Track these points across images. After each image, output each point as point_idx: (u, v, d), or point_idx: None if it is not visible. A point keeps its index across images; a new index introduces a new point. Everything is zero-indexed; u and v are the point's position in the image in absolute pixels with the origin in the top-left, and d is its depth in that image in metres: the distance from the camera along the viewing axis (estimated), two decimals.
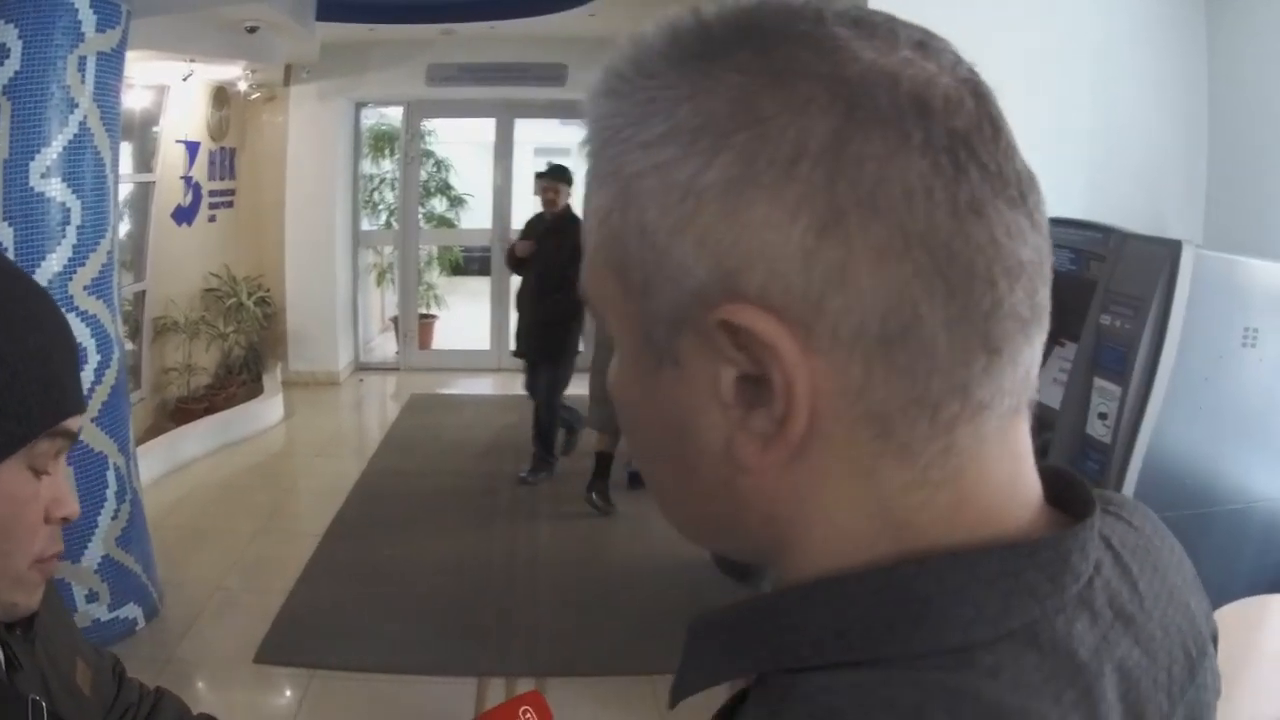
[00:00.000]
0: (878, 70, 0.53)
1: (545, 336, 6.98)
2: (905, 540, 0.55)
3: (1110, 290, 3.47)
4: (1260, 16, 4.38)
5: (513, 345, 7.56)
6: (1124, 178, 4.44)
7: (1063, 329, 4.00)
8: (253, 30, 7.15)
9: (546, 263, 6.76)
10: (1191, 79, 4.68)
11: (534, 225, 7.23)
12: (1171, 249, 3.31)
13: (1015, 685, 0.51)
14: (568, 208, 7.01)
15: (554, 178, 7.01)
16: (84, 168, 4.41)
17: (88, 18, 4.32)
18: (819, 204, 0.51)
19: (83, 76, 4.34)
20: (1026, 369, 0.57)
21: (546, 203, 7.05)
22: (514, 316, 11.25)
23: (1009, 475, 0.58)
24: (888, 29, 0.55)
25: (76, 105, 4.34)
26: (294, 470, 7.78)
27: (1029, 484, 0.59)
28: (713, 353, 0.54)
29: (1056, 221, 3.92)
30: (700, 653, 0.62)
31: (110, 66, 4.49)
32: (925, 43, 0.56)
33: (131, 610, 4.71)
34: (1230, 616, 2.88)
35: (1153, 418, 3.35)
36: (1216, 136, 4.67)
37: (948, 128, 0.53)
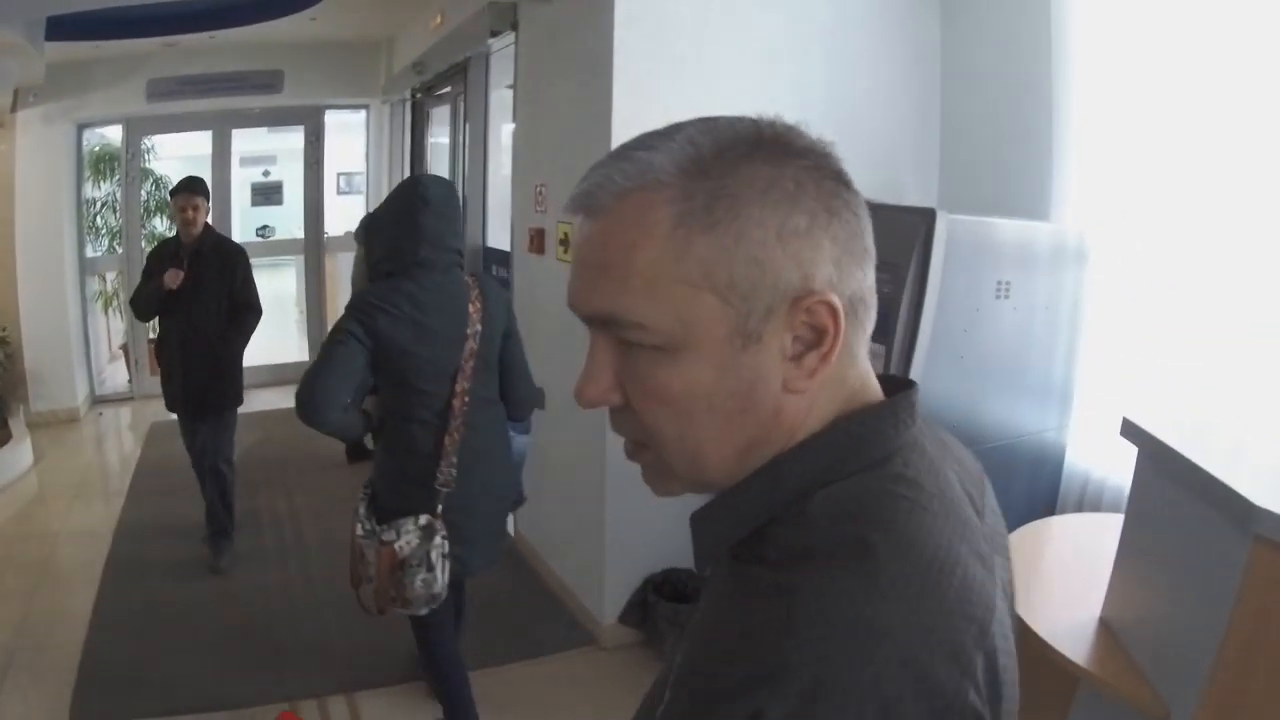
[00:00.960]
0: (834, 159, 0.97)
1: (224, 380, 6.08)
2: (845, 408, 0.99)
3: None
4: None
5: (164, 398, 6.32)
6: (862, 152, 4.63)
7: None
8: None
9: (213, 293, 5.88)
10: (924, 56, 5.02)
11: (167, 251, 5.99)
12: (926, 216, 3.56)
13: (917, 470, 0.95)
14: (210, 228, 6.08)
15: (194, 191, 5.90)
16: None
17: None
18: (841, 236, 0.94)
19: None
20: None
21: (185, 222, 5.85)
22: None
23: (872, 375, 1.03)
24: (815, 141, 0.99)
25: None
26: (55, 517, 7.32)
27: (874, 378, 1.04)
28: (785, 327, 0.92)
29: None
30: (714, 526, 1.01)
31: None
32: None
33: None
34: (1018, 540, 3.14)
35: (919, 370, 3.57)
36: (950, 109, 5.01)
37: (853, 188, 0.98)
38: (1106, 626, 2.71)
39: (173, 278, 5.76)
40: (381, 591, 3.57)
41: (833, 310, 0.92)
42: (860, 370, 1.01)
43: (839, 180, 0.96)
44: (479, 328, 3.59)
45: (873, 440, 0.97)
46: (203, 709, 4.50)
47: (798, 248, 0.91)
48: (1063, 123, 4.28)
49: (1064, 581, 3.09)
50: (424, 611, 3.62)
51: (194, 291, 5.82)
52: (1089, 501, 4.12)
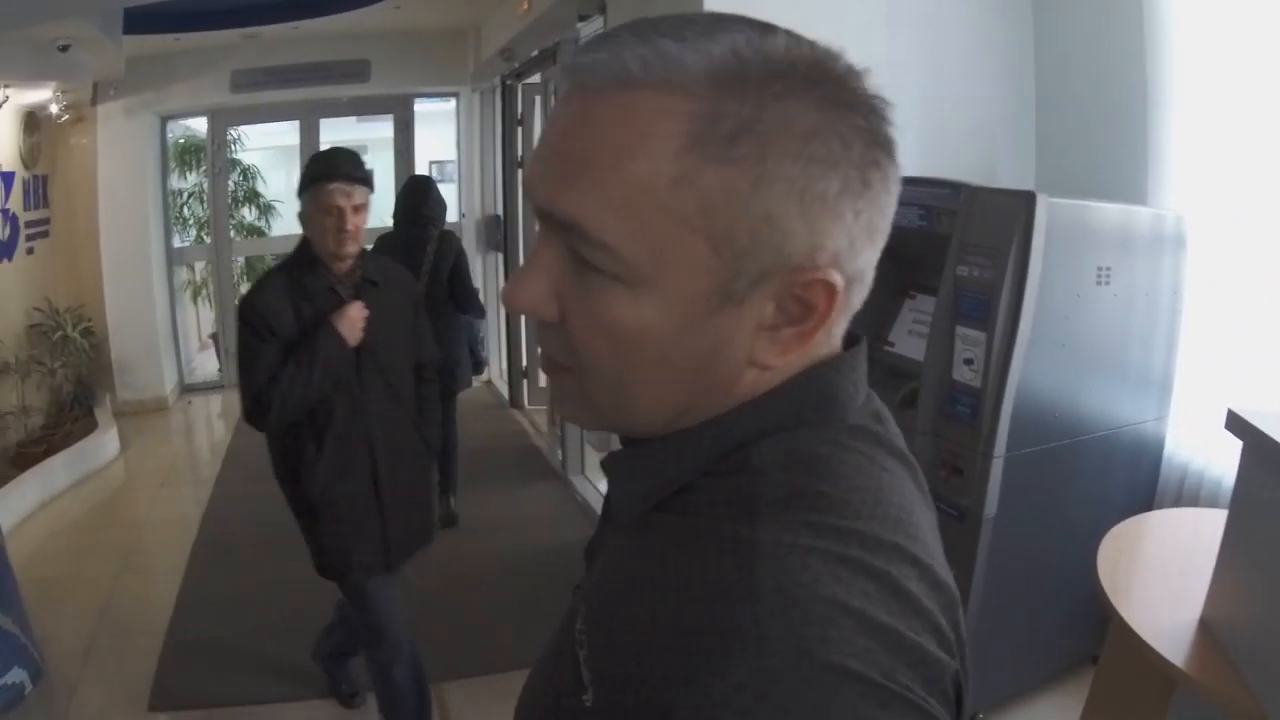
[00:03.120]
0: (887, 130, 0.82)
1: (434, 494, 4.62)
2: (806, 363, 0.87)
3: (965, 243, 3.57)
4: None
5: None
6: (957, 135, 4.57)
7: (913, 282, 4.08)
8: (64, 49, 6.76)
9: (399, 350, 3.70)
10: (1018, 36, 4.85)
11: (301, 291, 3.43)
12: (1025, 200, 3.44)
13: (875, 429, 0.89)
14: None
15: (356, 178, 3.42)
16: None
17: None
18: (864, 211, 0.80)
19: None
20: None
21: (338, 230, 3.37)
22: None
23: None
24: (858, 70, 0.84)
25: None
26: (141, 504, 7.44)
27: None
28: (773, 294, 0.80)
29: (904, 180, 4.02)
30: (642, 476, 0.88)
31: None
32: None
33: (17, 675, 4.42)
34: (1117, 536, 3.08)
35: (1020, 359, 3.47)
36: (1044, 90, 4.83)
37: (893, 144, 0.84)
38: (1207, 627, 2.61)
39: (350, 326, 3.43)
40: None
41: (830, 290, 0.81)
42: (832, 340, 0.89)
43: (885, 148, 0.81)
44: None
45: (832, 395, 0.87)
46: (286, 697, 4.51)
47: (817, 214, 0.78)
48: (1158, 102, 4.12)
49: (1164, 579, 3.00)
50: None
51: (371, 352, 3.54)
52: (1187, 494, 4.02)
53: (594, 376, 0.84)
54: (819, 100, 0.77)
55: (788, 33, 0.81)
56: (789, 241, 0.78)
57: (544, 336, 0.87)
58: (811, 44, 0.80)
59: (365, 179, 3.49)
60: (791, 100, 0.76)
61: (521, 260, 9.04)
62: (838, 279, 0.80)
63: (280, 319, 3.37)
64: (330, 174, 3.39)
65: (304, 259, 3.48)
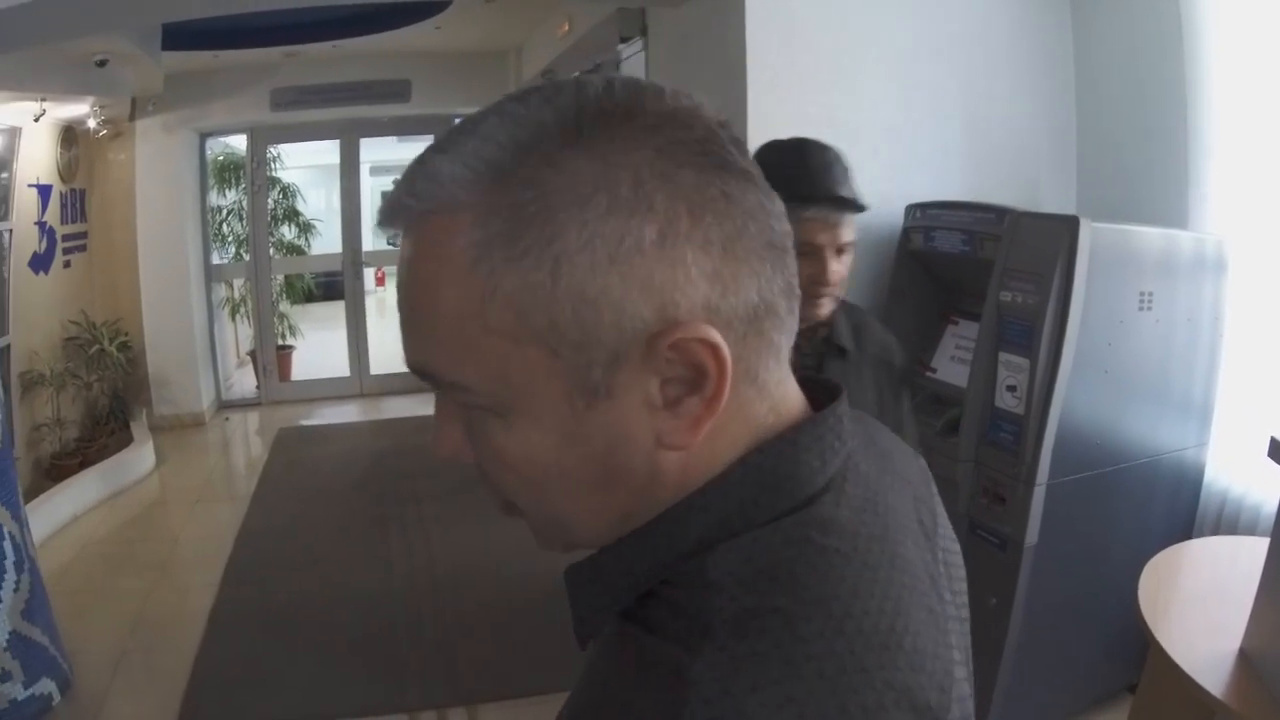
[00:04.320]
0: (713, 125, 0.75)
1: None
2: (758, 438, 0.78)
3: (1009, 268, 3.57)
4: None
5: None
6: (999, 159, 4.56)
7: (955, 307, 4.06)
8: (102, 64, 6.81)
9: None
10: (1058, 59, 4.85)
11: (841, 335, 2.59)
12: (1069, 224, 3.44)
13: (852, 508, 0.77)
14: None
15: (844, 204, 2.40)
16: None
17: None
18: (717, 239, 0.71)
19: None
20: None
21: (813, 283, 2.38)
22: (374, 340, 11.16)
23: (792, 381, 0.84)
24: (685, 94, 0.76)
25: None
26: (176, 520, 7.44)
27: (796, 387, 0.84)
28: (646, 372, 0.71)
29: (947, 205, 4.04)
30: (595, 589, 0.80)
31: None
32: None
33: (45, 685, 4.43)
34: (1156, 566, 3.05)
35: (1064, 385, 3.46)
36: (1085, 114, 4.83)
37: (750, 161, 0.77)
38: (1246, 658, 2.57)
39: None
40: None
41: (710, 346, 0.71)
42: (771, 396, 0.79)
43: (709, 159, 0.73)
44: None
45: (792, 477, 0.76)
46: (317, 717, 4.48)
47: (647, 270, 0.69)
48: (1198, 125, 4.12)
49: (1203, 609, 2.97)
50: None
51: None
52: (1226, 521, 3.99)
53: (523, 508, 0.82)
54: (589, 146, 0.70)
55: (547, 88, 0.75)
56: (624, 313, 0.70)
57: (482, 482, 0.83)
58: (575, 85, 0.74)
59: (859, 202, 2.42)
60: (559, 162, 0.70)
61: None
62: (710, 332, 0.71)
63: None
64: (810, 192, 2.35)
65: None
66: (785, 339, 0.79)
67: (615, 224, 0.68)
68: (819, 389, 0.87)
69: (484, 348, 0.72)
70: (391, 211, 0.75)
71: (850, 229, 2.39)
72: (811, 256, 2.32)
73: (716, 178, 0.72)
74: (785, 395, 0.81)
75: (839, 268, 2.39)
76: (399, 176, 0.77)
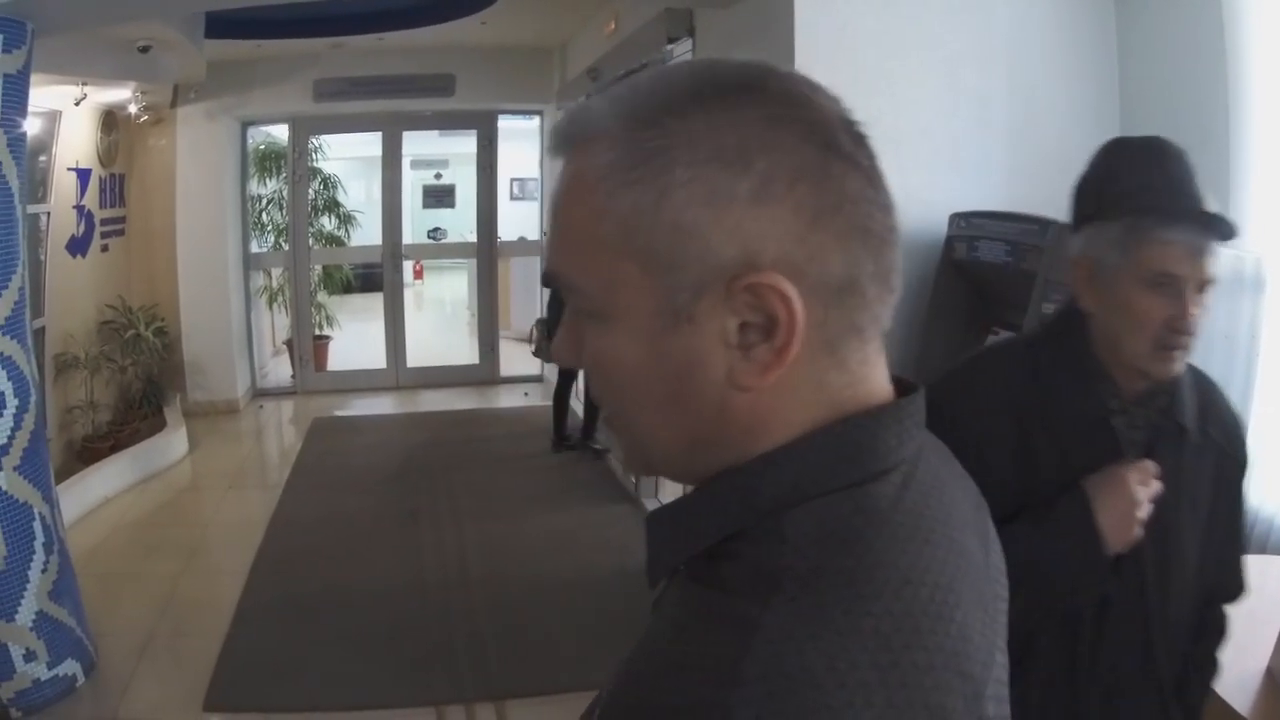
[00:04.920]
0: (832, 116, 0.83)
1: None
2: (835, 413, 0.82)
3: (1051, 280, 3.54)
4: (1166, 6, 4.50)
5: None
6: (1042, 169, 4.51)
7: (998, 318, 4.02)
8: (145, 50, 6.83)
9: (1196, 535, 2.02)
10: (1103, 70, 4.82)
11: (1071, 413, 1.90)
12: None
13: (920, 490, 0.83)
14: None
15: (1214, 229, 1.82)
16: None
17: None
18: (809, 208, 0.78)
19: None
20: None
21: (1172, 333, 1.82)
22: (411, 333, 11.20)
23: (883, 370, 0.88)
24: (816, 85, 0.85)
25: None
26: (207, 505, 7.49)
27: (886, 376, 0.88)
28: (725, 309, 0.78)
29: (991, 215, 4.01)
30: (669, 532, 0.87)
31: (16, 90, 4.19)
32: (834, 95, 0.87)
33: (70, 666, 4.47)
34: None
35: None
36: (1128, 125, 4.80)
37: (866, 155, 0.83)
38: (1274, 678, 2.57)
39: (1123, 512, 1.80)
40: None
41: (783, 298, 0.77)
42: (852, 374, 0.84)
43: (815, 138, 0.80)
44: None
45: (870, 451, 0.82)
46: (344, 707, 4.48)
47: (736, 217, 0.77)
48: (1240, 141, 4.07)
49: (1231, 627, 2.91)
50: None
51: (1146, 564, 1.93)
52: (1256, 540, 3.93)
53: (612, 418, 0.91)
54: (717, 105, 0.80)
55: (710, 61, 0.86)
56: (710, 248, 0.78)
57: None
58: (737, 62, 0.85)
59: (1231, 225, 1.83)
60: (689, 114, 0.79)
61: None
62: (783, 283, 0.77)
63: (996, 444, 1.88)
64: (1171, 206, 1.83)
65: (1070, 348, 1.94)
66: (871, 324, 0.84)
67: (715, 171, 0.77)
68: (900, 385, 0.91)
69: (595, 258, 0.82)
70: (556, 139, 0.87)
71: (1216, 259, 1.84)
72: (1168, 290, 1.80)
73: (819, 155, 0.79)
74: (868, 377, 0.86)
75: (1200, 310, 1.83)
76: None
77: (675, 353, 0.81)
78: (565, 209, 0.84)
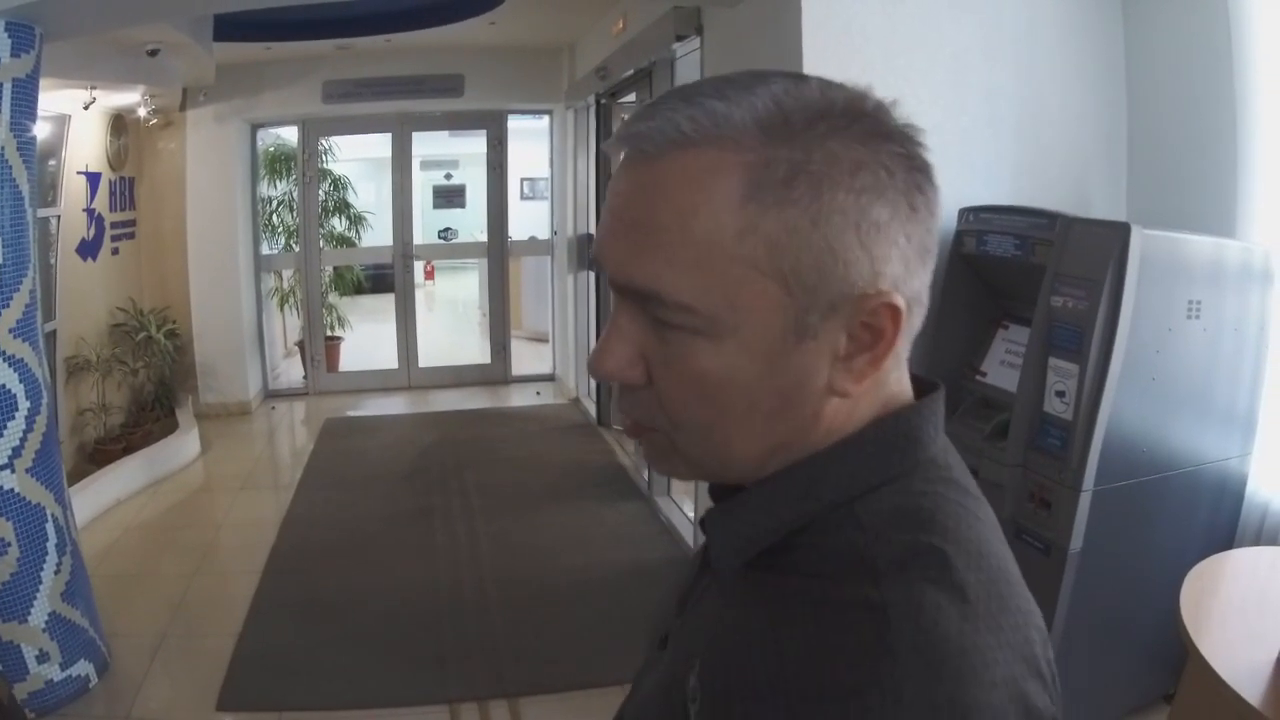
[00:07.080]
0: (923, 156, 0.86)
1: None
2: (885, 409, 0.90)
3: (1060, 273, 3.58)
4: (1174, 2, 4.51)
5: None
6: (1051, 164, 4.55)
7: (1006, 312, 4.02)
8: (154, 53, 6.85)
9: None
10: (1110, 65, 4.83)
11: None
12: (1120, 231, 3.45)
13: (960, 473, 0.91)
14: None
15: None
16: (2, 203, 4.14)
17: (1, 42, 4.04)
18: (916, 234, 0.84)
19: None
20: None
21: None
22: (423, 333, 11.21)
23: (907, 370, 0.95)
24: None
25: None
26: (219, 506, 7.49)
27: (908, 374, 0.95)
28: (843, 323, 0.83)
29: (1000, 209, 4.00)
30: (742, 524, 0.89)
31: (25, 94, 4.19)
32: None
33: (83, 667, 4.47)
34: (1199, 576, 3.06)
35: (1112, 392, 3.47)
36: (1136, 120, 4.82)
37: (931, 179, 0.87)
38: None
39: None
40: None
41: (895, 313, 0.84)
42: (902, 373, 0.93)
43: (924, 172, 0.86)
44: None
45: (917, 440, 0.90)
46: (357, 706, 4.48)
47: (874, 241, 0.82)
48: (1248, 135, 4.10)
49: (1242, 618, 2.99)
50: None
51: None
52: (1267, 533, 3.98)
53: (686, 430, 0.88)
54: (860, 135, 0.82)
55: (820, 79, 0.86)
56: (852, 270, 0.81)
57: (627, 401, 0.92)
58: (842, 86, 0.86)
59: None
60: (835, 138, 0.80)
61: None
62: (900, 301, 0.83)
63: None
64: None
65: None
66: (916, 330, 0.90)
67: (867, 199, 0.80)
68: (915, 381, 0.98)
69: (726, 275, 0.81)
70: (655, 131, 0.82)
71: None
72: None
73: (927, 186, 0.85)
74: (904, 375, 0.94)
75: None
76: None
77: (791, 368, 0.84)
78: (680, 220, 0.81)
